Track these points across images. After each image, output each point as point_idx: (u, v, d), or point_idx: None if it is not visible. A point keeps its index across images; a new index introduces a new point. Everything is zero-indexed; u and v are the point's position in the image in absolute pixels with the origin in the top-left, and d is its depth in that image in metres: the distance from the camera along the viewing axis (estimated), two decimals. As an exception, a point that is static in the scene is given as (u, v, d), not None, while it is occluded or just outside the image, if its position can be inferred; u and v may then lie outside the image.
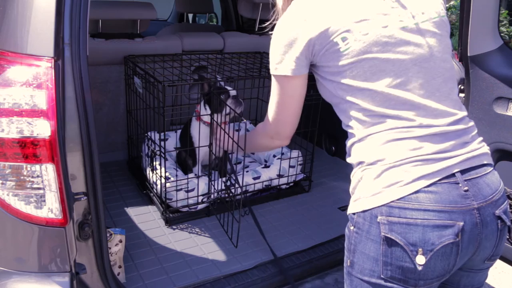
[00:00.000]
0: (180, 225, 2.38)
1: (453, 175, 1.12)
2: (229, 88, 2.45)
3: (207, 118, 2.45)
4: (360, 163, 1.19)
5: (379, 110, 1.15)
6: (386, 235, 1.11)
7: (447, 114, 1.17)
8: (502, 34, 2.22)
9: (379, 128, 1.16)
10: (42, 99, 1.24)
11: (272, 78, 1.29)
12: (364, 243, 1.16)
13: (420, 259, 1.09)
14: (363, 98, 1.16)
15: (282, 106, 1.32)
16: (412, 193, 1.10)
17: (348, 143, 1.25)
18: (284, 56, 1.22)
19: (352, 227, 1.20)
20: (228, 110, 2.38)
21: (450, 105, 1.19)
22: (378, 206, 1.12)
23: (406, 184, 1.10)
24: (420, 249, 1.09)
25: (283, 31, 1.21)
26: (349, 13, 1.14)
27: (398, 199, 1.10)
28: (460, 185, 1.11)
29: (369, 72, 1.15)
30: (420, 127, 1.14)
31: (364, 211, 1.15)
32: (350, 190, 1.25)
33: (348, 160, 1.27)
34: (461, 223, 1.09)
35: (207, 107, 2.43)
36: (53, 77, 1.25)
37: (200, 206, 2.47)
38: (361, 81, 1.15)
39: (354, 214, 1.19)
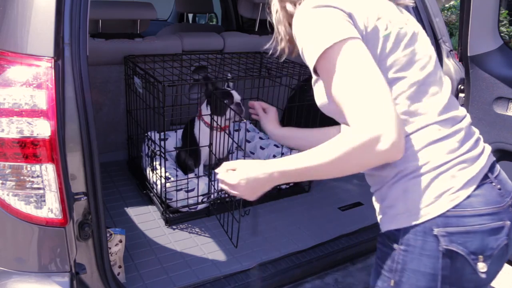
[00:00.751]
0: (180, 225, 2.38)
1: (486, 175, 1.09)
2: (233, 92, 2.46)
3: (207, 119, 2.45)
4: (399, 172, 1.08)
5: (408, 109, 1.07)
6: (447, 247, 1.04)
7: (458, 111, 1.15)
8: (502, 34, 2.22)
9: (409, 129, 1.08)
10: (42, 99, 1.24)
11: (330, 54, 0.98)
12: (418, 260, 1.07)
13: (482, 267, 1.05)
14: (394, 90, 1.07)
15: (365, 79, 0.96)
16: (465, 199, 1.04)
17: None
18: (336, 23, 1.00)
19: (396, 245, 1.10)
20: (229, 115, 2.39)
21: (455, 103, 1.17)
22: (432, 218, 1.05)
23: (458, 190, 1.05)
24: (480, 257, 1.05)
25: (319, 11, 1.03)
26: (368, 9, 1.08)
27: (453, 208, 1.04)
28: (493, 184, 1.09)
29: (404, 63, 1.07)
30: (448, 122, 1.10)
31: (414, 226, 1.06)
32: (385, 203, 1.14)
33: (374, 172, 1.14)
34: (509, 222, 1.07)
35: (208, 108, 2.43)
36: (53, 77, 1.25)
37: (200, 206, 2.47)
38: (396, 72, 1.07)
39: (398, 230, 1.09)
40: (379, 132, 0.92)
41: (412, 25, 1.15)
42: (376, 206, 1.19)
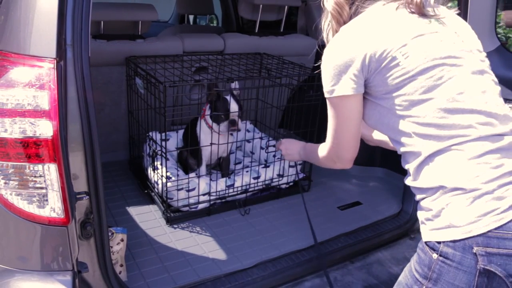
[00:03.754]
0: (181, 224, 2.39)
1: None
2: (233, 103, 2.47)
3: (209, 119, 2.49)
4: (441, 187, 1.11)
5: (444, 122, 1.11)
6: (485, 267, 1.04)
7: (504, 121, 1.15)
8: (499, 36, 2.23)
9: (449, 143, 1.11)
10: (44, 100, 1.25)
11: (328, 103, 1.27)
12: (454, 273, 1.08)
13: None
14: (426, 111, 1.13)
15: (341, 130, 1.29)
16: (509, 222, 1.04)
17: (412, 164, 1.18)
18: (340, 77, 1.19)
19: (436, 255, 1.12)
20: (220, 129, 2.46)
21: (502, 116, 1.16)
22: (473, 236, 1.05)
23: (503, 212, 1.05)
24: None
25: (337, 53, 1.20)
26: (403, 30, 1.15)
27: (496, 229, 1.04)
28: None
29: (431, 83, 1.12)
30: (492, 137, 1.10)
31: (455, 241, 1.08)
32: (428, 214, 1.16)
33: (415, 183, 1.19)
34: None
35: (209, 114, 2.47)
36: (56, 78, 1.25)
37: (200, 206, 2.48)
38: (423, 93, 1.13)
39: (439, 243, 1.11)
40: (336, 161, 1.38)
41: (450, 40, 1.18)
42: (420, 215, 1.21)
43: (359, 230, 2.39)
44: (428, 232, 1.15)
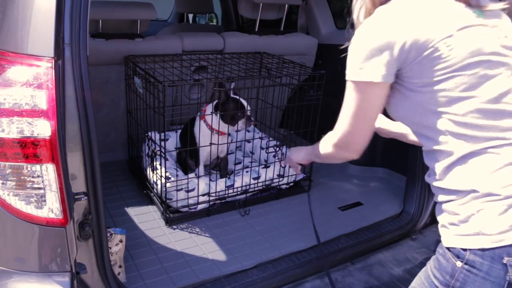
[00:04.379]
0: (180, 225, 2.38)
1: None
2: (243, 101, 2.50)
3: (210, 122, 2.49)
4: (473, 191, 1.05)
5: (483, 123, 1.05)
6: None
7: None
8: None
9: (485, 145, 1.05)
10: (42, 99, 1.24)
11: (350, 85, 1.16)
12: (480, 284, 1.04)
13: None
14: (465, 109, 1.05)
15: (359, 117, 1.17)
16: None
17: (441, 163, 1.11)
18: (371, 61, 1.09)
19: (460, 263, 1.07)
20: (238, 127, 2.50)
21: None
22: (504, 246, 1.01)
23: None
24: None
25: (373, 35, 1.10)
26: (449, 19, 1.07)
27: None
28: None
29: (474, 81, 1.05)
30: None
31: (484, 250, 1.03)
32: (454, 219, 1.10)
33: (441, 184, 1.13)
34: None
35: (218, 115, 2.46)
36: (54, 77, 1.25)
37: (200, 206, 2.47)
38: (464, 90, 1.05)
39: (465, 250, 1.06)
40: (345, 150, 1.27)
41: (495, 35, 1.11)
42: (442, 218, 1.15)
43: (360, 230, 2.38)
44: (452, 238, 1.09)
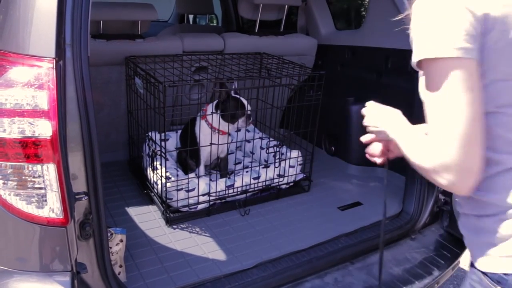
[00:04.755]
0: (181, 225, 2.39)
1: None
2: (243, 100, 2.52)
3: (212, 121, 2.50)
4: None
5: None
6: None
7: None
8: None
9: None
10: (43, 100, 1.24)
11: (428, 76, 0.89)
12: None
13: None
14: None
15: (463, 112, 0.84)
16: None
17: (484, 172, 0.92)
18: (450, 32, 0.84)
19: None
20: (239, 125, 2.52)
21: None
22: None
23: None
24: None
25: (444, 3, 0.86)
26: None
27: None
28: None
29: None
30: None
31: None
32: (489, 238, 0.96)
33: (478, 195, 0.96)
34: None
35: (219, 114, 2.47)
36: (55, 78, 1.25)
37: (200, 206, 2.48)
38: None
39: (506, 274, 0.92)
40: (454, 178, 0.86)
41: None
42: (471, 236, 1.02)
43: (359, 230, 2.39)
44: (489, 262, 0.96)
